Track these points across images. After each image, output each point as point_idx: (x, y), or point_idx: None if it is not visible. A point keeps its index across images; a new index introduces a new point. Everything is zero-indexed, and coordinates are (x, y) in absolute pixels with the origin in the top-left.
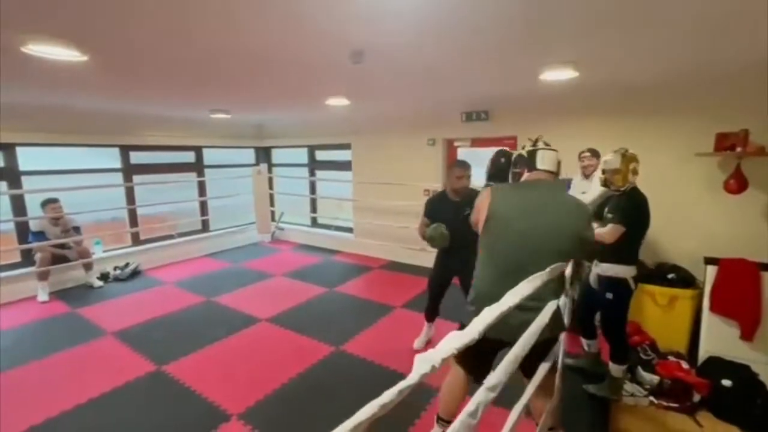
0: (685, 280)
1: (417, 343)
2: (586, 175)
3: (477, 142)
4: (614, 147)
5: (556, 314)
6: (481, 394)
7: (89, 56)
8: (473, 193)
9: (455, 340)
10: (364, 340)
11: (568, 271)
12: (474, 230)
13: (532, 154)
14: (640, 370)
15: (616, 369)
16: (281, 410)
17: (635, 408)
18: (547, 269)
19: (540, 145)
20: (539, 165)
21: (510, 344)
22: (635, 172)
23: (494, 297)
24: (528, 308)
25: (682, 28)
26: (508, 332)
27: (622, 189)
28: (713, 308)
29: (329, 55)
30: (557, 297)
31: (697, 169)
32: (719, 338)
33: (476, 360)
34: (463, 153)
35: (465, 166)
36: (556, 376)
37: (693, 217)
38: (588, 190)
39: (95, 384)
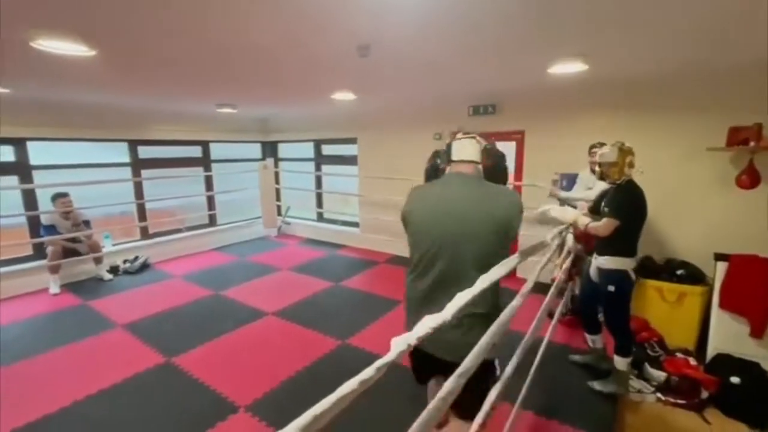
0: (695, 276)
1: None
2: (594, 170)
3: (484, 137)
4: (624, 141)
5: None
6: (452, 381)
7: (97, 51)
8: None
9: (431, 321)
10: (369, 335)
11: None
12: None
13: (449, 146)
14: (647, 366)
15: (620, 362)
16: (288, 403)
17: (642, 404)
18: (482, 278)
19: (460, 134)
20: (454, 156)
21: (443, 361)
22: (631, 165)
23: (413, 303)
24: (460, 321)
25: (695, 21)
26: (442, 348)
27: (618, 182)
28: (723, 305)
29: (336, 49)
30: (494, 309)
31: (709, 164)
32: (728, 335)
33: (423, 377)
34: None
35: None
36: (484, 405)
37: (703, 213)
38: (594, 185)
39: (106, 375)
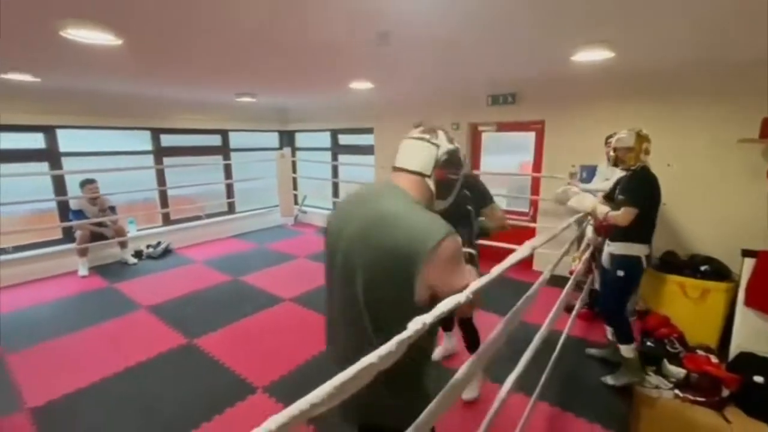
0: (720, 272)
1: (434, 355)
2: (609, 158)
3: (503, 126)
4: (641, 128)
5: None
6: (468, 366)
7: (123, 40)
8: (468, 178)
9: (450, 301)
10: None
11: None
12: (467, 227)
13: (400, 147)
14: (665, 363)
15: (626, 349)
16: (303, 385)
17: (659, 400)
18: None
19: (415, 132)
20: (397, 161)
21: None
22: (647, 152)
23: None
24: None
25: (731, 6)
26: (345, 413)
27: (633, 168)
28: (748, 302)
29: (355, 38)
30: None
31: (739, 157)
32: (753, 333)
33: None
34: (488, 138)
35: None
36: None
37: (732, 207)
38: (612, 176)
39: (132, 354)
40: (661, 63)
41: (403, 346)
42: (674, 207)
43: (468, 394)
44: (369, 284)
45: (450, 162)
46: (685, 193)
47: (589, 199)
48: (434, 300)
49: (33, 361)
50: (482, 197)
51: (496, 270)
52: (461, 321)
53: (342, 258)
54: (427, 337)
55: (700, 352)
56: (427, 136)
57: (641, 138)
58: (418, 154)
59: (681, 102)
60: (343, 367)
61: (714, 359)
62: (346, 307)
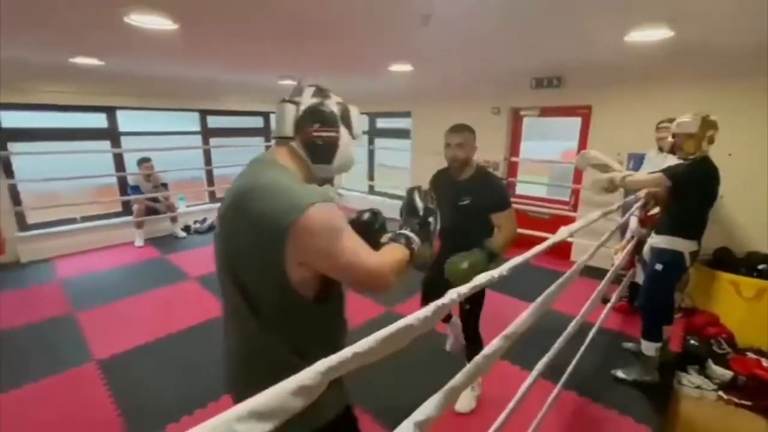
0: None
1: (448, 345)
2: (661, 148)
3: (547, 112)
4: (708, 113)
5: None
6: (498, 342)
7: (179, 25)
8: (483, 175)
9: (478, 279)
10: (414, 304)
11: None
12: (477, 225)
13: None
14: (710, 363)
15: (649, 347)
16: None
17: (700, 400)
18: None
19: (288, 96)
20: (273, 130)
21: None
22: (711, 141)
23: None
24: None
25: None
26: None
27: (692, 157)
28: None
29: (397, 17)
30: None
31: None
32: None
33: None
34: (529, 123)
35: (458, 130)
36: None
37: None
38: (662, 166)
39: (183, 318)
40: (725, 42)
41: (440, 312)
42: (731, 201)
43: (463, 405)
44: (241, 265)
45: (314, 118)
46: (745, 186)
47: (615, 166)
48: (326, 282)
49: (99, 320)
50: (499, 199)
51: (529, 253)
52: (468, 331)
53: (221, 239)
54: (319, 320)
55: (751, 355)
56: (288, 97)
57: (707, 124)
58: (281, 117)
59: (743, 86)
60: (232, 350)
61: (766, 363)
62: (230, 293)
